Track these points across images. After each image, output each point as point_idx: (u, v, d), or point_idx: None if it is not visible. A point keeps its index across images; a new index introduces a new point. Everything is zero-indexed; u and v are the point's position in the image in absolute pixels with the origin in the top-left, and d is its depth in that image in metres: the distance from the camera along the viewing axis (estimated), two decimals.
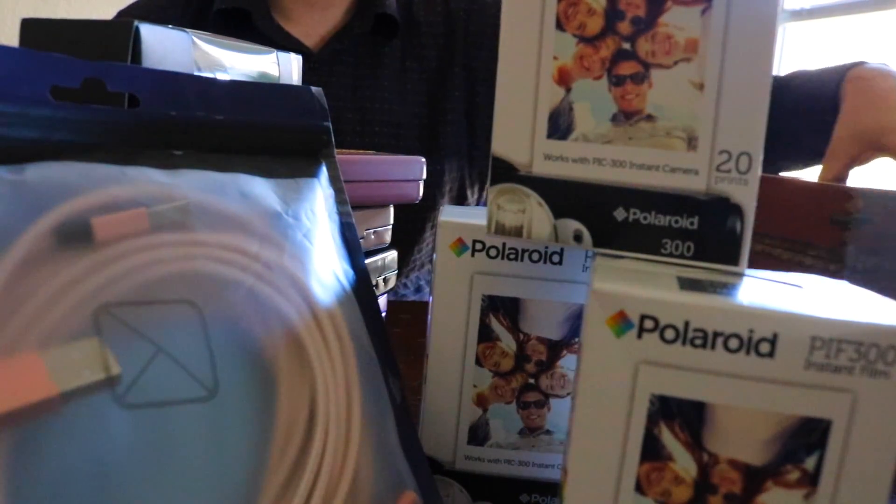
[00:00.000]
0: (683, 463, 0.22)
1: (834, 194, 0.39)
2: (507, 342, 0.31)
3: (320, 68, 0.79)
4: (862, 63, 0.67)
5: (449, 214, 0.32)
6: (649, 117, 0.25)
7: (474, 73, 0.84)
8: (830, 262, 0.39)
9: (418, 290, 0.89)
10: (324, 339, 0.26)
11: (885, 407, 0.20)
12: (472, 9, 0.86)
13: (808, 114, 0.68)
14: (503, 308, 0.31)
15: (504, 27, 0.26)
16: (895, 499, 0.22)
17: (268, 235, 0.26)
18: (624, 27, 0.25)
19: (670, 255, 0.25)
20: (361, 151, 0.52)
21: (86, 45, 0.33)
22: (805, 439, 0.21)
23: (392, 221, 0.48)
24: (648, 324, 0.21)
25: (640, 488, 0.22)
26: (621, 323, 0.21)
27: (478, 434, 0.32)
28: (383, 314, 0.45)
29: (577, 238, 0.26)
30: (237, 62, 0.40)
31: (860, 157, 0.61)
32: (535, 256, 0.31)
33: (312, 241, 0.28)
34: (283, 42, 0.77)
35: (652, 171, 0.25)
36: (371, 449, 0.26)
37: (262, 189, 0.28)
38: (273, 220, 0.27)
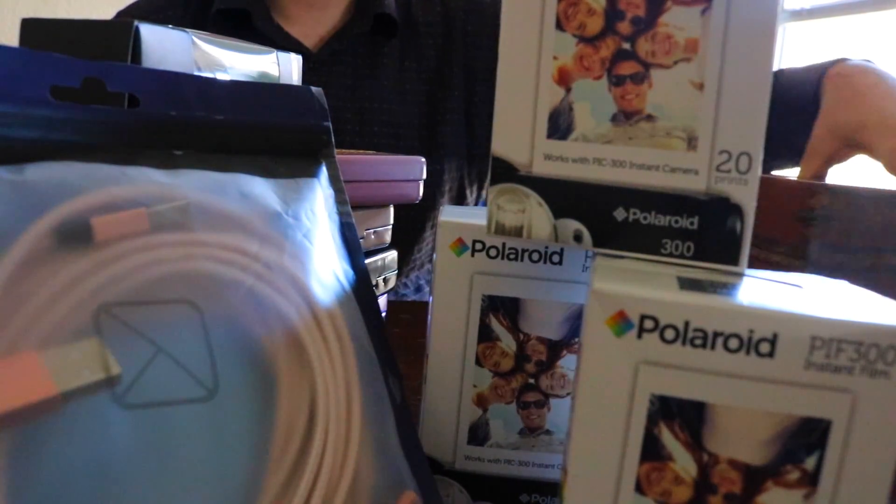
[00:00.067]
0: (683, 463, 0.22)
1: (798, 190, 0.39)
2: (507, 342, 0.31)
3: (319, 68, 0.79)
4: (844, 60, 0.66)
5: (449, 214, 0.32)
6: (649, 117, 0.25)
7: (473, 73, 0.84)
8: (795, 259, 0.39)
9: (418, 289, 0.89)
10: (324, 339, 0.26)
11: (885, 407, 0.20)
12: (471, 8, 0.86)
13: (790, 112, 0.67)
14: (503, 308, 0.31)
15: (504, 27, 0.26)
16: (895, 499, 0.22)
17: (268, 235, 0.26)
18: (624, 27, 0.25)
19: (670, 255, 0.25)
20: (361, 151, 0.52)
21: (86, 45, 0.33)
22: (805, 439, 0.21)
23: (392, 221, 0.48)
24: (648, 324, 0.21)
25: (640, 488, 0.22)
26: (621, 323, 0.21)
27: (478, 434, 0.32)
28: (383, 314, 0.45)
29: (577, 238, 0.26)
30: (237, 62, 0.40)
31: (839, 155, 0.60)
32: (535, 256, 0.31)
33: (312, 241, 0.28)
34: (283, 42, 0.77)
35: (652, 171, 0.25)
36: (371, 449, 0.26)
37: (262, 189, 0.28)
38: (273, 220, 0.27)
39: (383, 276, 0.46)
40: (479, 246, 0.31)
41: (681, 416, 0.21)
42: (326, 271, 0.28)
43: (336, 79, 0.80)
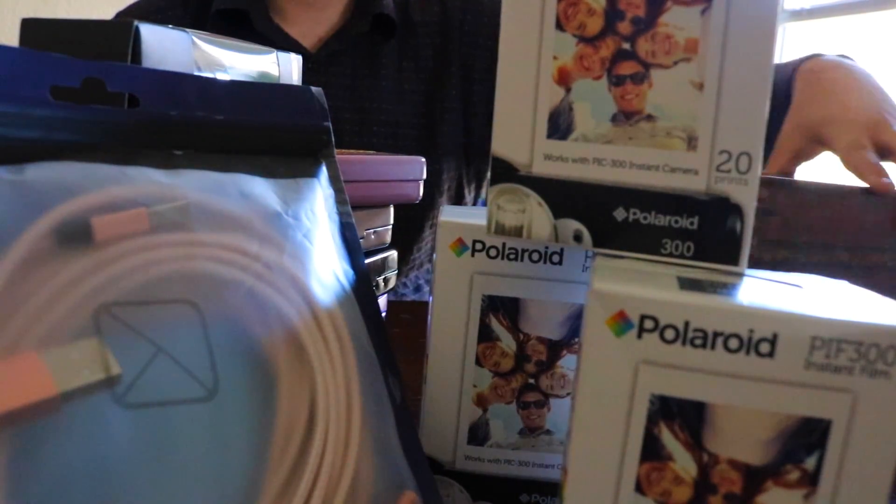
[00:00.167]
0: (683, 463, 0.22)
1: None
2: (507, 342, 0.31)
3: (318, 69, 0.79)
4: (817, 56, 0.65)
5: (449, 214, 0.32)
6: (649, 117, 0.25)
7: (470, 73, 0.84)
8: None
9: (417, 289, 0.90)
10: (324, 339, 0.26)
11: (885, 407, 0.20)
12: (468, 8, 0.86)
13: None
14: (503, 308, 0.31)
15: (504, 27, 0.26)
16: (895, 499, 0.22)
17: (268, 235, 0.26)
18: (624, 27, 0.25)
19: (670, 255, 0.25)
20: (361, 151, 0.52)
21: (86, 45, 0.33)
22: (805, 439, 0.21)
23: (392, 221, 0.48)
24: (648, 324, 0.21)
25: (640, 488, 0.22)
26: (621, 323, 0.21)
27: (478, 434, 0.32)
28: (383, 314, 0.45)
29: (577, 238, 0.26)
30: (237, 62, 0.40)
31: (806, 151, 0.59)
32: (535, 256, 0.31)
33: (312, 241, 0.28)
34: (281, 43, 0.77)
35: (652, 171, 0.25)
36: (371, 449, 0.26)
37: (262, 189, 0.28)
38: (273, 220, 0.27)
39: (383, 276, 0.46)
40: (479, 246, 0.31)
41: (681, 416, 0.21)
42: (326, 271, 0.28)
43: (334, 79, 0.80)
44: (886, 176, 0.48)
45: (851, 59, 0.65)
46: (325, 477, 0.24)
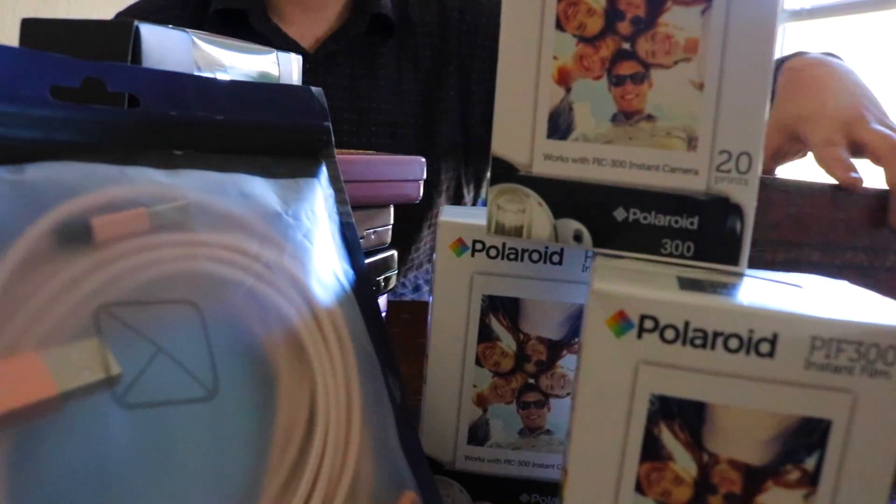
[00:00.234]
0: (683, 463, 0.22)
1: None
2: (507, 342, 0.31)
3: (316, 69, 0.79)
4: (801, 54, 0.64)
5: (449, 214, 0.32)
6: (649, 117, 0.25)
7: (468, 73, 0.84)
8: None
9: (416, 289, 0.90)
10: (324, 339, 0.26)
11: (885, 407, 0.20)
12: (467, 8, 0.86)
13: None
14: (503, 308, 0.31)
15: (504, 27, 0.26)
16: (895, 499, 0.22)
17: (268, 235, 0.26)
18: (624, 27, 0.25)
19: (670, 255, 0.25)
20: (360, 151, 0.52)
21: (86, 45, 0.33)
22: (805, 439, 0.21)
23: (392, 221, 0.48)
24: (648, 324, 0.21)
25: (640, 488, 0.22)
26: (621, 323, 0.21)
27: (478, 434, 0.32)
28: (383, 314, 0.45)
29: (577, 238, 0.26)
30: (237, 62, 0.40)
31: (787, 150, 0.58)
32: (535, 256, 0.31)
33: (312, 241, 0.28)
34: (280, 43, 0.77)
35: (652, 171, 0.25)
36: (371, 449, 0.26)
37: (262, 189, 0.28)
38: (273, 220, 0.27)
39: (383, 277, 0.46)
40: (479, 246, 0.31)
41: (681, 416, 0.21)
42: (326, 271, 0.28)
43: (333, 79, 0.80)
44: (855, 171, 0.47)
45: (837, 58, 0.64)
46: (325, 477, 0.24)
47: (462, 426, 0.32)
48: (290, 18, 0.81)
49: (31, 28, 0.34)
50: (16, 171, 0.22)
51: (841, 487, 0.21)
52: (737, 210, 0.25)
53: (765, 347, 0.21)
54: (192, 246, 0.24)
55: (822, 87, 0.56)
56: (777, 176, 0.56)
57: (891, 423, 0.20)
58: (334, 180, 0.31)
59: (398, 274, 0.85)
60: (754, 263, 0.39)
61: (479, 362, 0.31)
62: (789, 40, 2.06)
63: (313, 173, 0.30)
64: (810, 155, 0.55)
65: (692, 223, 0.25)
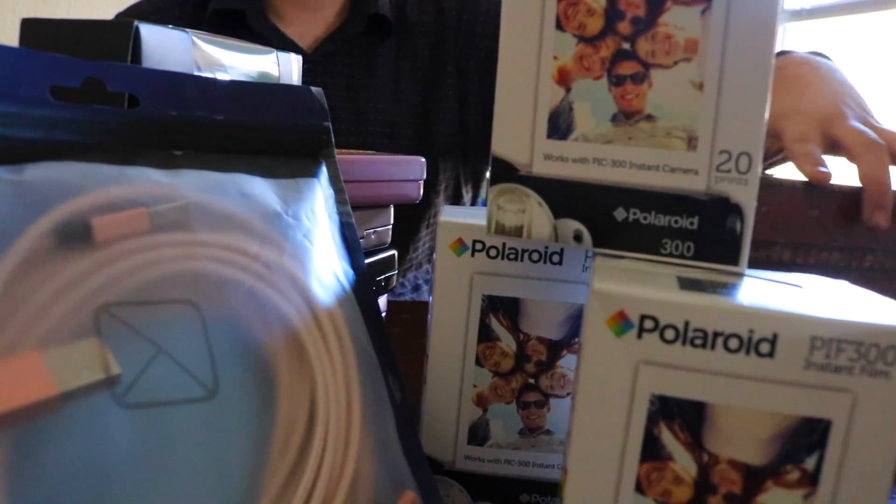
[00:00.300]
0: (683, 463, 0.22)
1: None
2: (507, 342, 0.31)
3: (314, 69, 0.80)
4: (786, 52, 0.64)
5: (449, 214, 0.32)
6: (649, 117, 0.25)
7: (465, 73, 0.84)
8: None
9: (416, 289, 0.89)
10: (324, 339, 0.26)
11: (885, 407, 0.20)
12: (464, 8, 0.86)
13: None
14: (503, 308, 0.31)
15: (504, 27, 0.26)
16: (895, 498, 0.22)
17: (268, 235, 0.26)
18: (624, 27, 0.25)
19: (670, 255, 0.25)
20: (359, 151, 0.52)
21: (86, 45, 0.33)
22: (805, 439, 0.21)
23: (392, 221, 0.48)
24: (648, 324, 0.21)
25: (640, 488, 0.22)
26: (621, 323, 0.21)
27: (478, 434, 0.32)
28: (383, 314, 0.45)
29: (577, 238, 0.26)
30: (237, 62, 0.40)
31: (768, 149, 0.57)
32: (535, 256, 0.31)
33: (312, 241, 0.28)
34: (278, 43, 0.77)
35: (652, 171, 0.25)
36: (371, 449, 0.26)
37: (262, 189, 0.28)
38: (273, 220, 0.27)
39: (383, 277, 0.46)
40: (479, 246, 0.31)
41: (681, 416, 0.21)
42: (326, 271, 0.28)
43: (331, 79, 0.80)
44: (824, 166, 0.46)
45: (825, 57, 0.64)
46: (325, 477, 0.24)
47: (462, 426, 0.32)
48: (289, 18, 0.81)
49: (31, 28, 0.34)
50: (16, 171, 0.22)
51: (841, 487, 0.21)
52: (737, 210, 0.25)
53: (765, 347, 0.21)
54: (192, 246, 0.24)
55: (803, 84, 0.56)
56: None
57: (891, 423, 0.20)
58: (334, 180, 0.31)
59: (397, 274, 0.85)
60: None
61: (479, 362, 0.31)
62: (789, 40, 2.06)
63: (313, 173, 0.30)
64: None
65: (692, 223, 0.25)
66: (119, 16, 0.85)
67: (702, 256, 0.25)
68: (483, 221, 0.30)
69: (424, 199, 0.83)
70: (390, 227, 0.48)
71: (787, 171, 0.65)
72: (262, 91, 0.29)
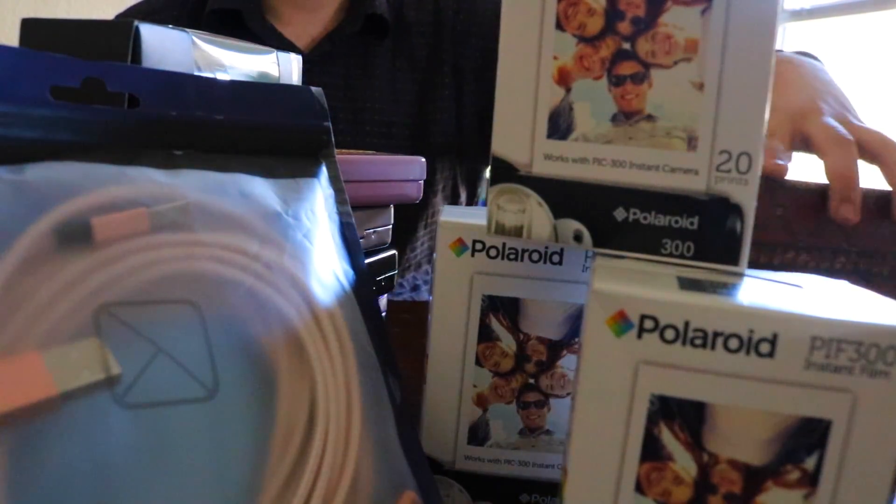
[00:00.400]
0: (683, 463, 0.22)
1: None
2: (507, 342, 0.31)
3: (312, 69, 0.80)
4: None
5: (449, 214, 0.32)
6: (649, 117, 0.25)
7: (462, 73, 0.84)
8: None
9: (415, 289, 0.89)
10: (324, 339, 0.26)
11: (885, 407, 0.20)
12: (461, 7, 0.86)
13: None
14: (503, 308, 0.31)
15: (504, 27, 0.26)
16: None
17: (268, 235, 0.26)
18: (624, 27, 0.25)
19: (670, 255, 0.25)
20: (358, 151, 0.52)
21: (86, 45, 0.33)
22: (805, 439, 0.21)
23: (392, 221, 0.48)
24: (648, 324, 0.21)
25: (640, 488, 0.22)
26: (621, 323, 0.21)
27: (478, 434, 0.32)
28: (383, 314, 0.45)
29: (577, 238, 0.26)
30: (237, 62, 0.40)
31: None
32: (535, 256, 0.31)
33: (312, 241, 0.28)
34: (275, 43, 0.77)
35: (652, 171, 0.25)
36: (371, 449, 0.26)
37: (262, 189, 0.28)
38: (273, 220, 0.27)
39: (383, 277, 0.46)
40: (479, 246, 0.31)
41: (681, 416, 0.21)
42: (326, 271, 0.28)
43: (328, 79, 0.80)
44: (782, 159, 0.45)
45: (812, 57, 0.64)
46: (325, 477, 0.24)
47: (462, 426, 0.32)
48: (286, 19, 0.81)
49: (31, 28, 0.34)
50: (16, 171, 0.22)
51: (841, 487, 0.21)
52: (737, 210, 0.25)
53: (765, 347, 0.21)
54: (192, 246, 0.24)
55: (782, 81, 0.56)
56: None
57: (891, 423, 0.20)
58: (334, 180, 0.31)
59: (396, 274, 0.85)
60: None
61: (479, 362, 0.31)
62: (789, 40, 2.06)
63: (313, 173, 0.30)
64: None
65: (692, 223, 0.25)
66: (119, 16, 0.85)
67: (702, 256, 0.25)
68: (483, 221, 0.30)
69: (422, 200, 0.83)
70: (390, 227, 0.48)
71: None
72: (262, 91, 0.29)
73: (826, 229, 0.43)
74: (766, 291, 0.23)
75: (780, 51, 0.64)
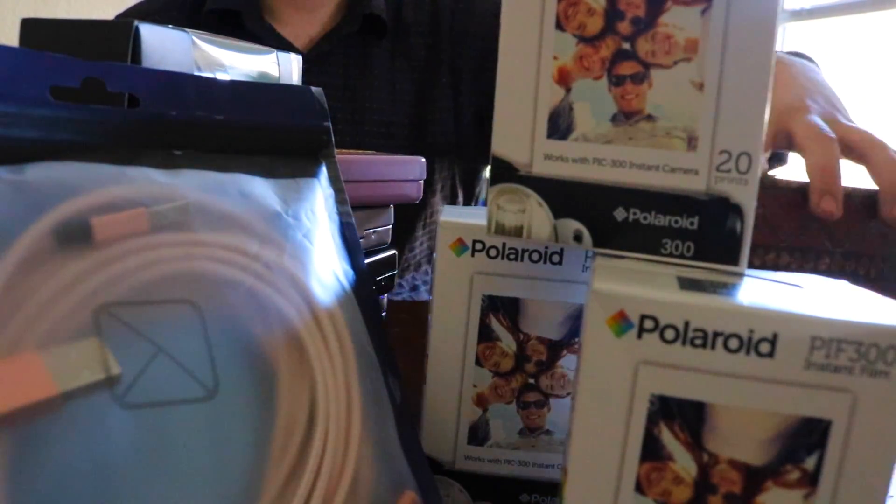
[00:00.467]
0: (683, 463, 0.22)
1: None
2: (507, 342, 0.31)
3: (310, 69, 0.80)
4: None
5: (449, 214, 0.32)
6: (649, 117, 0.25)
7: (459, 72, 0.84)
8: None
9: (414, 289, 0.89)
10: (324, 339, 0.26)
11: (885, 407, 0.20)
12: (458, 7, 0.86)
13: None
14: (503, 308, 0.31)
15: (504, 27, 0.26)
16: None
17: (268, 235, 0.26)
18: (624, 27, 0.25)
19: (670, 255, 0.25)
20: (358, 151, 0.52)
21: (86, 45, 0.33)
22: (805, 439, 0.21)
23: (393, 221, 0.48)
24: (648, 324, 0.21)
25: (640, 488, 0.22)
26: (621, 323, 0.21)
27: (478, 434, 0.32)
28: (383, 314, 0.45)
29: (577, 238, 0.26)
30: (237, 62, 0.40)
31: None
32: (535, 256, 0.31)
33: (312, 241, 0.28)
34: (273, 43, 0.77)
35: (652, 171, 0.25)
36: (371, 449, 0.26)
37: (262, 189, 0.28)
38: (273, 220, 0.27)
39: (383, 277, 0.46)
40: (479, 246, 0.31)
41: (681, 416, 0.21)
42: (326, 271, 0.28)
43: (327, 79, 0.80)
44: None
45: (805, 58, 0.63)
46: (325, 477, 0.24)
47: (462, 426, 0.32)
48: (284, 19, 0.81)
49: (31, 28, 0.34)
50: (16, 171, 0.22)
51: (841, 487, 0.21)
52: (737, 210, 0.25)
53: (765, 347, 0.21)
54: (192, 246, 0.24)
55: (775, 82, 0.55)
56: None
57: (891, 423, 0.20)
58: (334, 180, 0.31)
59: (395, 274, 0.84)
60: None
61: (479, 362, 0.31)
62: (789, 40, 2.06)
63: (313, 173, 0.30)
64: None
65: (692, 223, 0.25)
66: (119, 16, 0.85)
67: (702, 256, 0.25)
68: (483, 221, 0.30)
69: (420, 199, 0.83)
70: (390, 227, 0.48)
71: (785, 173, 0.65)
72: (262, 91, 0.29)
73: (809, 229, 0.42)
74: (766, 291, 0.23)
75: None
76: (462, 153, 0.87)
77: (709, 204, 0.25)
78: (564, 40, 0.25)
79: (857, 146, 0.45)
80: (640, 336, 0.21)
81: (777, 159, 0.70)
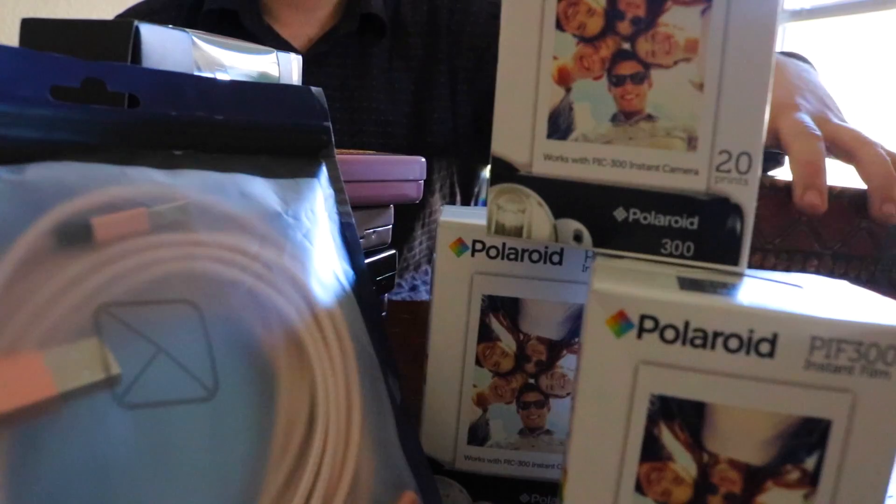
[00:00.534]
0: (683, 463, 0.22)
1: None
2: (507, 342, 0.31)
3: (309, 69, 0.80)
4: None
5: (449, 214, 0.32)
6: (649, 117, 0.25)
7: (456, 72, 0.84)
8: None
9: (413, 289, 0.89)
10: (324, 339, 0.26)
11: (885, 407, 0.20)
12: (456, 7, 0.86)
13: None
14: (503, 308, 0.31)
15: (504, 27, 0.26)
16: None
17: (268, 235, 0.26)
18: (624, 27, 0.25)
19: (670, 255, 0.25)
20: (357, 151, 0.52)
21: (86, 45, 0.33)
22: (805, 439, 0.21)
23: (393, 221, 0.48)
24: (648, 324, 0.21)
25: (640, 488, 0.22)
26: (621, 323, 0.21)
27: (478, 434, 0.32)
28: (383, 314, 0.45)
29: (577, 238, 0.26)
30: (237, 62, 0.40)
31: None
32: (535, 256, 0.31)
33: (312, 241, 0.28)
34: (272, 43, 0.77)
35: (652, 171, 0.25)
36: (371, 449, 0.26)
37: (262, 189, 0.28)
38: (273, 220, 0.27)
39: (384, 277, 0.46)
40: (479, 246, 0.31)
41: (681, 416, 0.21)
42: (326, 271, 0.28)
43: (325, 79, 0.80)
44: None
45: (800, 58, 0.63)
46: (325, 477, 0.24)
47: (462, 426, 0.32)
48: (283, 19, 0.81)
49: (31, 28, 0.34)
50: (16, 171, 0.22)
51: (841, 487, 0.21)
52: (737, 210, 0.25)
53: (765, 347, 0.21)
54: (192, 246, 0.24)
55: None
56: None
57: (891, 423, 0.20)
58: (334, 180, 0.31)
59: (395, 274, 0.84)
60: None
61: (479, 362, 0.31)
62: (789, 40, 2.06)
63: (313, 173, 0.30)
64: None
65: (692, 223, 0.25)
66: (119, 16, 0.85)
67: (702, 256, 0.25)
68: (483, 221, 0.30)
69: (419, 200, 0.83)
70: (390, 227, 0.48)
71: (785, 174, 0.64)
72: (262, 91, 0.29)
73: (795, 230, 0.41)
74: (766, 291, 0.23)
75: None
76: (460, 152, 0.87)
77: (709, 204, 0.25)
78: (564, 40, 0.25)
79: (846, 144, 0.45)
80: (640, 336, 0.21)
81: (772, 160, 0.70)
